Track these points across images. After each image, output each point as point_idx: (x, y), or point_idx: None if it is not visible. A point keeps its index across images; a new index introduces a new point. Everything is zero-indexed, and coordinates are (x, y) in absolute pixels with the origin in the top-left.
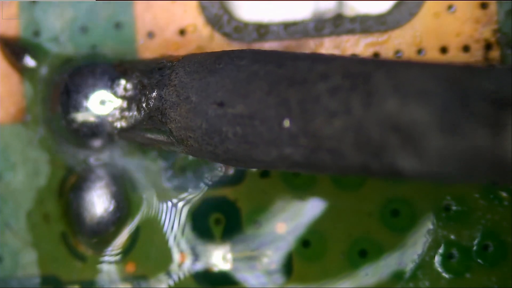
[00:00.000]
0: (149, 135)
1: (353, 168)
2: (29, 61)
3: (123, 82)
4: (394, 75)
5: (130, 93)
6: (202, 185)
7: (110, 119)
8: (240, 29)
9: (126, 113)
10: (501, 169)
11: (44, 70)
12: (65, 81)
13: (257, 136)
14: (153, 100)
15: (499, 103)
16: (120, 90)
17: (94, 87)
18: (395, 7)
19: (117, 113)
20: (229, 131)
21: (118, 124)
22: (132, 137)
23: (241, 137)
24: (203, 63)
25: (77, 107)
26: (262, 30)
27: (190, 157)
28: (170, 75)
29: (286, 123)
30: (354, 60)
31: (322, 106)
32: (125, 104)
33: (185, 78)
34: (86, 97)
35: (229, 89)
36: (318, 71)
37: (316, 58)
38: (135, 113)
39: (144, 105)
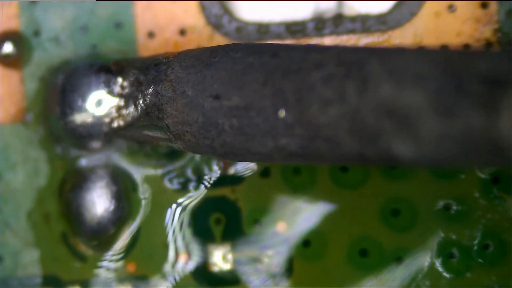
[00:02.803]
0: (146, 132)
1: (349, 156)
2: (8, 48)
3: (119, 80)
4: (387, 60)
5: (126, 91)
6: (202, 185)
7: (107, 118)
8: (240, 29)
9: (123, 111)
10: (495, 150)
11: (42, 68)
12: (61, 81)
13: (253, 128)
14: (149, 96)
15: (493, 83)
16: (116, 88)
17: (89, 86)
18: (395, 7)
19: (113, 111)
20: (226, 123)
21: (115, 123)
22: (130, 135)
23: (237, 129)
24: (199, 57)
25: (73, 107)
26: (263, 29)
27: (190, 158)
28: (166, 70)
29: (282, 113)
30: (348, 48)
31: (317, 94)
32: (122, 103)
33: (181, 72)
34: (82, 96)
35: (225, 81)
36: (312, 60)
37: (310, 48)
38: (132, 110)
39: (140, 101)
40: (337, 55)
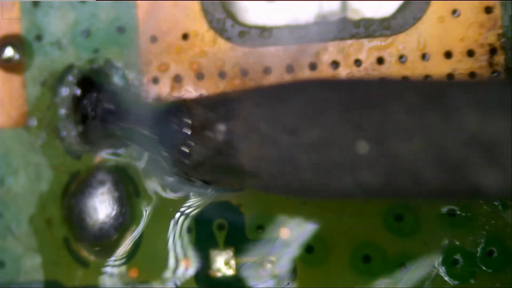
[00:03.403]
0: (216, 171)
1: (433, 189)
2: (9, 52)
3: (189, 120)
4: (470, 90)
5: (196, 130)
6: (205, 190)
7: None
8: (243, 33)
9: (194, 150)
10: None
11: (43, 73)
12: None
13: (331, 163)
14: (221, 134)
15: None
16: (187, 129)
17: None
18: (399, 11)
19: (186, 150)
20: (302, 159)
21: (187, 162)
22: (200, 175)
23: (315, 164)
24: (271, 93)
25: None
26: (266, 33)
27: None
28: (238, 107)
29: (362, 146)
30: (424, 81)
31: (399, 126)
32: (192, 142)
33: (254, 109)
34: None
35: (300, 116)
36: (390, 92)
37: (386, 81)
38: (203, 149)
39: (211, 140)
40: (415, 86)
